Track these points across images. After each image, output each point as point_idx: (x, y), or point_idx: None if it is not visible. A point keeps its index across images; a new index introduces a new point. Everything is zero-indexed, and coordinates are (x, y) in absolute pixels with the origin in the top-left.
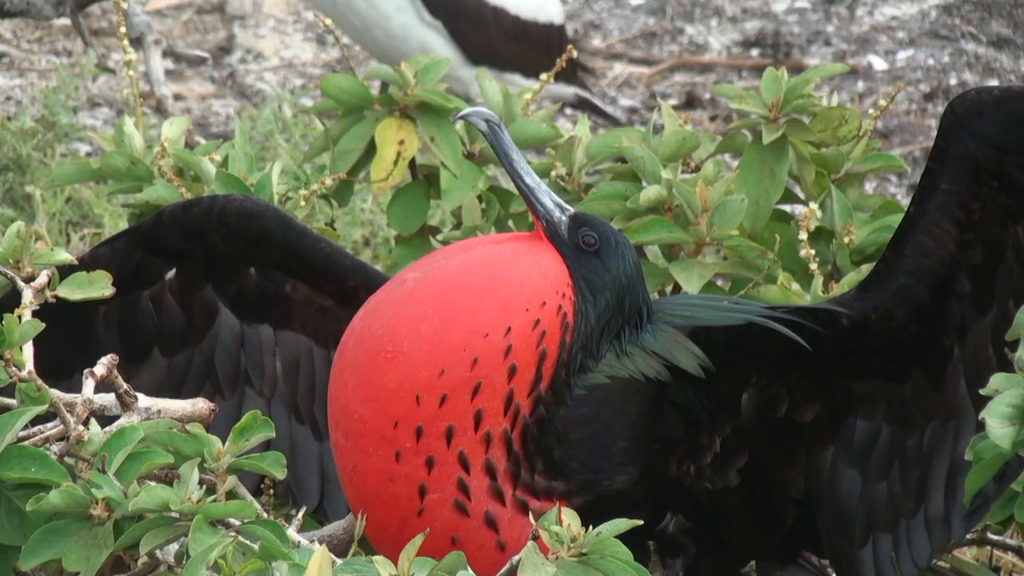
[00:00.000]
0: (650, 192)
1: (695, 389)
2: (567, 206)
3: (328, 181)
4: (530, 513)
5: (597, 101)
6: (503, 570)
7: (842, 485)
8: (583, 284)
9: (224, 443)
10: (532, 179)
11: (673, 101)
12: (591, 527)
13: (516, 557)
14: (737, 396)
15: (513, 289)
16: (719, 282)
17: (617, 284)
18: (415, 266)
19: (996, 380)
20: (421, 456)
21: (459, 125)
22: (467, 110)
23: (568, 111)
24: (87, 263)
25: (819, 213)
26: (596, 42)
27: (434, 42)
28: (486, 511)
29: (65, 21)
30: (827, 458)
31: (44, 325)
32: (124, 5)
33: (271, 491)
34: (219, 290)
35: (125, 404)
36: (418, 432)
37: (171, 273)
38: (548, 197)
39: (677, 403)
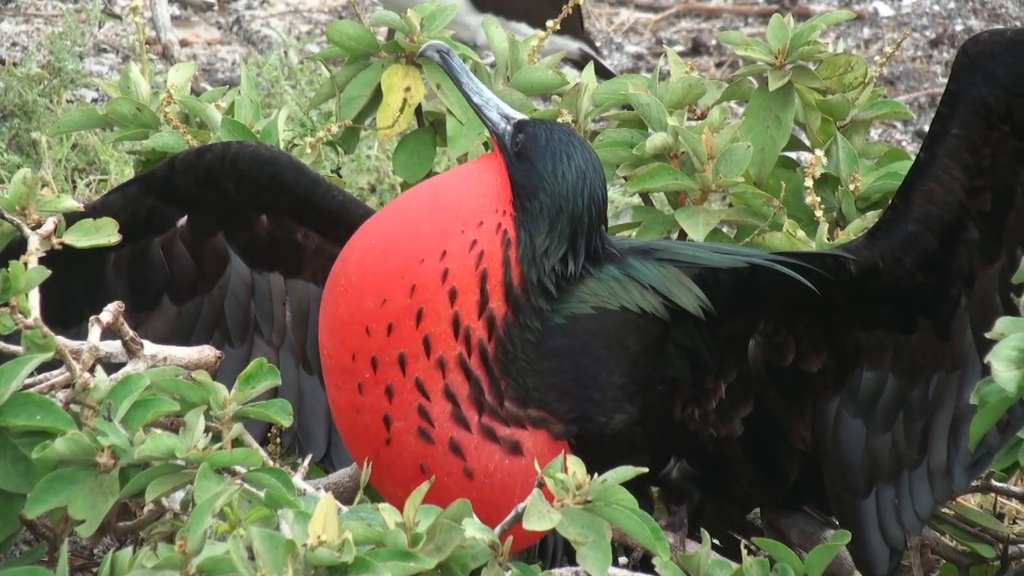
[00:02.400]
0: (656, 139)
1: (700, 330)
2: (516, 115)
3: (334, 128)
4: (499, 440)
5: (603, 60)
6: (508, 517)
7: (846, 436)
8: (519, 191)
9: (230, 391)
10: (480, 98)
11: (679, 48)
12: (596, 474)
13: (521, 505)
14: (744, 341)
15: (449, 212)
16: (724, 229)
17: (549, 185)
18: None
19: (1002, 324)
20: (380, 386)
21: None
22: (422, 47)
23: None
24: (99, 209)
25: (824, 160)
26: None
27: None
28: (450, 437)
29: None
30: (832, 408)
31: (50, 272)
32: None
33: (277, 440)
34: (230, 238)
35: (131, 351)
36: (373, 362)
37: (183, 220)
38: (496, 112)
39: (682, 344)
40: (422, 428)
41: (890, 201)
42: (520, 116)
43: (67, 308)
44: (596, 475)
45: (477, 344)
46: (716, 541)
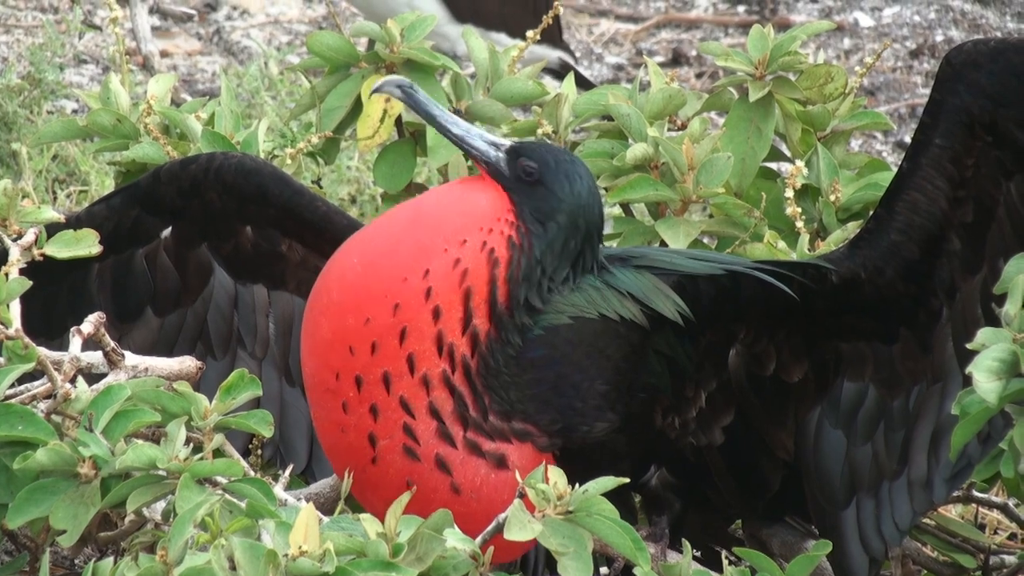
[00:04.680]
0: (636, 150)
1: (680, 339)
2: (503, 141)
3: (314, 139)
4: (485, 455)
5: (581, 69)
6: (489, 528)
7: (827, 446)
8: (529, 215)
9: (212, 403)
10: (460, 128)
11: (659, 58)
12: (577, 485)
13: (502, 516)
14: (724, 350)
15: (431, 231)
16: (705, 240)
17: (568, 205)
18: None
19: (983, 335)
20: (365, 405)
21: (445, 82)
22: (378, 82)
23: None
24: (83, 220)
25: (805, 171)
26: None
27: None
28: (436, 454)
29: None
30: (813, 418)
31: (31, 283)
32: None
33: (259, 452)
34: (214, 249)
35: (112, 362)
36: (358, 382)
37: (167, 231)
38: (480, 140)
39: (662, 352)
40: (408, 446)
41: (872, 211)
42: (506, 142)
43: (51, 319)
44: (577, 485)
45: (461, 360)
46: (697, 553)
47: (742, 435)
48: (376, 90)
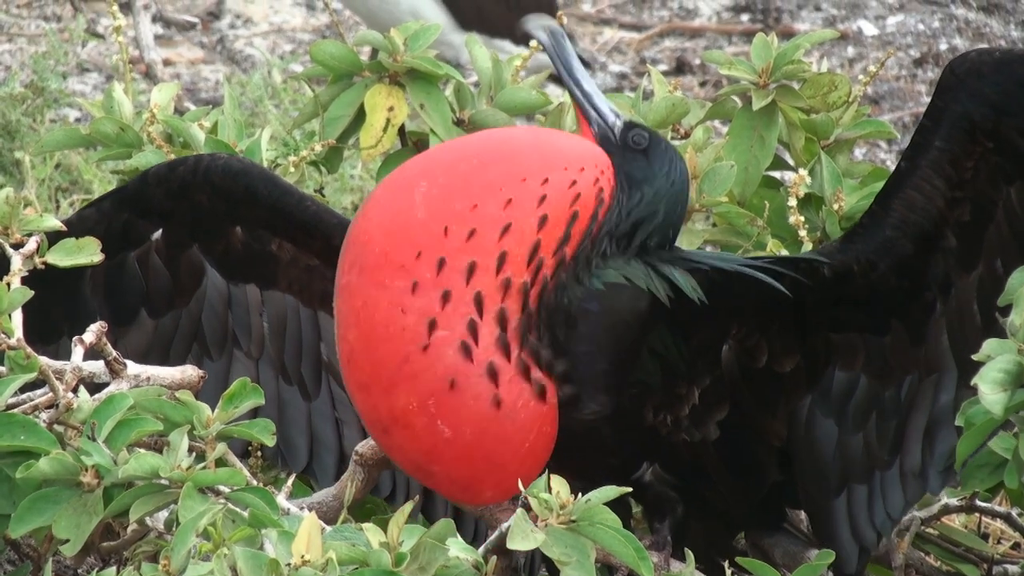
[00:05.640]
0: None
1: (675, 337)
2: (620, 112)
3: (317, 147)
4: (531, 380)
5: None
6: (492, 538)
7: (818, 435)
8: (624, 177)
9: (213, 410)
10: (590, 85)
11: (663, 67)
12: (579, 494)
13: (505, 525)
14: (717, 347)
15: (554, 149)
16: (708, 248)
17: (657, 183)
18: None
19: (988, 346)
20: (438, 289)
21: (448, 91)
22: (530, 19)
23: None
24: (73, 224)
25: (808, 180)
26: (586, 7)
27: (424, 4)
28: (490, 361)
29: None
30: (804, 407)
31: (33, 292)
32: None
33: (258, 454)
34: (205, 250)
35: (114, 371)
36: (440, 264)
37: (157, 234)
38: (606, 104)
39: (655, 350)
40: (466, 343)
41: (869, 206)
42: (625, 115)
43: (45, 323)
44: (580, 495)
45: (542, 279)
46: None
47: (735, 427)
48: (526, 28)
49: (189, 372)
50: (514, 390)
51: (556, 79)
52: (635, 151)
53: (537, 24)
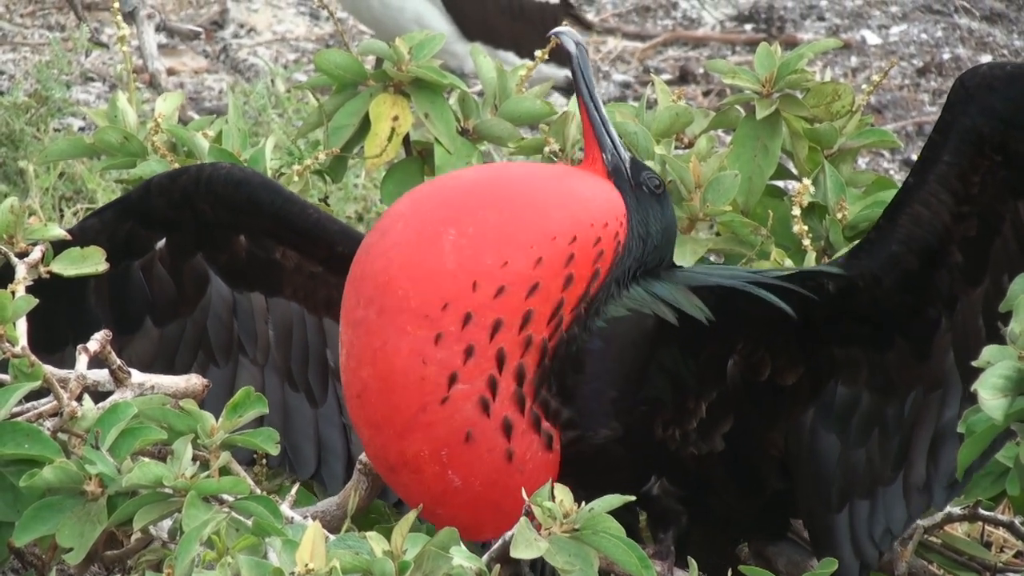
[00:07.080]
0: None
1: (683, 353)
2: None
3: (322, 157)
4: (540, 431)
5: None
6: (496, 546)
7: (821, 449)
8: (636, 222)
9: (217, 418)
10: (604, 113)
11: (666, 76)
12: (583, 503)
13: (508, 533)
14: (723, 361)
15: (581, 203)
16: (712, 258)
17: (668, 232)
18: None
19: (988, 352)
20: (462, 343)
21: (452, 101)
22: (559, 29)
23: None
24: (77, 234)
25: (812, 189)
26: (590, 16)
27: (429, 13)
28: (505, 416)
29: None
30: (806, 421)
31: (37, 301)
32: None
33: (263, 462)
34: (209, 259)
35: (118, 380)
36: (466, 318)
37: (161, 243)
38: (615, 132)
39: (665, 366)
40: (484, 398)
41: (876, 221)
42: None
43: (50, 332)
44: (583, 503)
45: (559, 334)
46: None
47: (740, 438)
48: (554, 33)
49: (193, 381)
50: (525, 442)
51: (560, 89)
52: (649, 195)
53: (569, 36)
